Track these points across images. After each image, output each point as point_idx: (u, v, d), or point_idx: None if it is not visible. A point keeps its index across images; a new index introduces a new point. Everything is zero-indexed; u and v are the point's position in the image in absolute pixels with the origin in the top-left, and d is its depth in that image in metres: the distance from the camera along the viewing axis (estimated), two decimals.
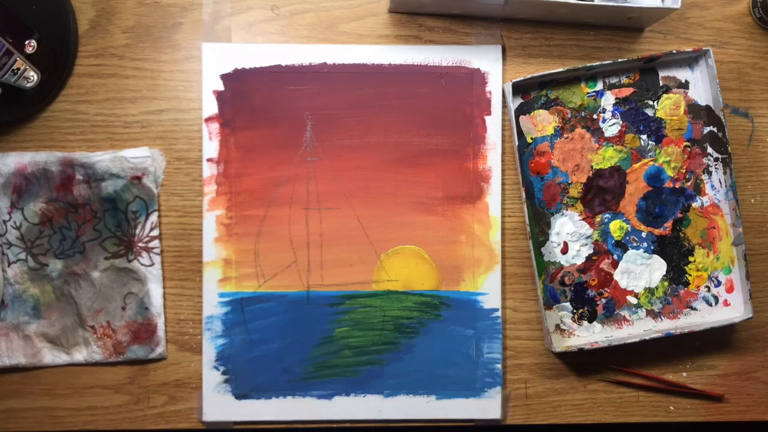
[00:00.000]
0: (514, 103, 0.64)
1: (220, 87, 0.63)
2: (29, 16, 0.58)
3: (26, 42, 0.58)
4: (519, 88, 0.64)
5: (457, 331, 0.64)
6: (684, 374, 0.66)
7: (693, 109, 0.66)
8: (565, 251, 0.65)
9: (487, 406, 0.64)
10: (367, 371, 0.64)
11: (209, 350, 0.63)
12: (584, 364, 0.66)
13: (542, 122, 0.65)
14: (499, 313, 0.64)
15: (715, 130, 0.65)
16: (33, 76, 0.59)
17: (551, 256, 0.65)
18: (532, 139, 0.65)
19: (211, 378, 0.63)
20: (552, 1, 0.59)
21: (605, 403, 0.66)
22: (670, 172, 0.66)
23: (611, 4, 0.60)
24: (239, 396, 0.63)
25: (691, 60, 0.65)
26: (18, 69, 0.58)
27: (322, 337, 0.64)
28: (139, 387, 0.64)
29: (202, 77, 0.63)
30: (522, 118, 0.65)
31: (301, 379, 0.64)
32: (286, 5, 0.64)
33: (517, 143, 0.63)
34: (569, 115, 0.65)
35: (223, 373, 0.63)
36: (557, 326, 0.65)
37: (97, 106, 0.64)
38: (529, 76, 0.62)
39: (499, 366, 0.64)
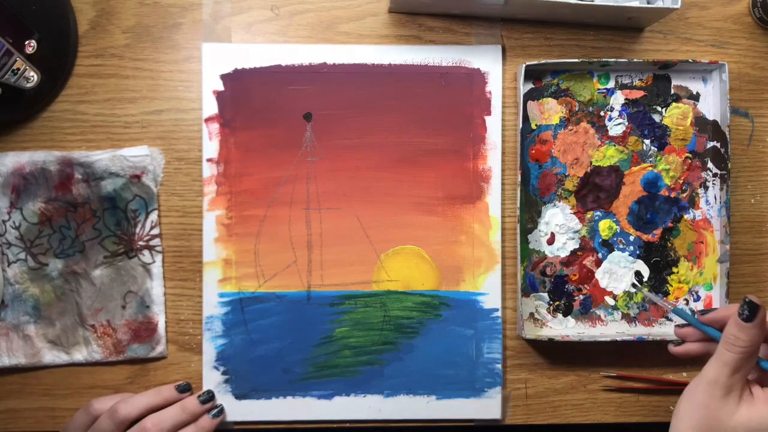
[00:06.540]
0: (524, 87, 0.64)
1: (220, 87, 0.63)
2: (29, 16, 0.58)
3: (26, 42, 0.58)
4: (532, 73, 0.65)
5: (457, 331, 0.64)
6: (684, 374, 0.66)
7: (700, 122, 0.65)
8: (551, 242, 0.65)
9: (487, 406, 0.64)
10: (367, 371, 0.64)
11: (209, 350, 0.63)
12: (584, 364, 0.66)
13: (549, 110, 0.65)
14: (499, 313, 0.64)
15: (718, 145, 0.65)
16: (33, 76, 0.59)
17: (537, 244, 0.65)
18: (536, 125, 0.65)
19: (211, 378, 0.63)
20: (552, 1, 0.59)
21: (605, 403, 0.66)
22: (667, 181, 0.65)
23: (611, 4, 0.60)
24: (239, 396, 0.63)
25: (705, 72, 0.65)
26: (18, 69, 0.58)
27: (322, 337, 0.64)
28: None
29: (202, 77, 0.63)
30: (530, 104, 0.65)
31: (301, 379, 0.64)
32: (286, 5, 0.64)
33: (521, 127, 0.63)
34: (577, 108, 0.65)
35: (223, 373, 0.63)
36: (531, 314, 0.65)
37: (97, 106, 0.64)
38: (543, 61, 0.62)
39: (499, 366, 0.64)
